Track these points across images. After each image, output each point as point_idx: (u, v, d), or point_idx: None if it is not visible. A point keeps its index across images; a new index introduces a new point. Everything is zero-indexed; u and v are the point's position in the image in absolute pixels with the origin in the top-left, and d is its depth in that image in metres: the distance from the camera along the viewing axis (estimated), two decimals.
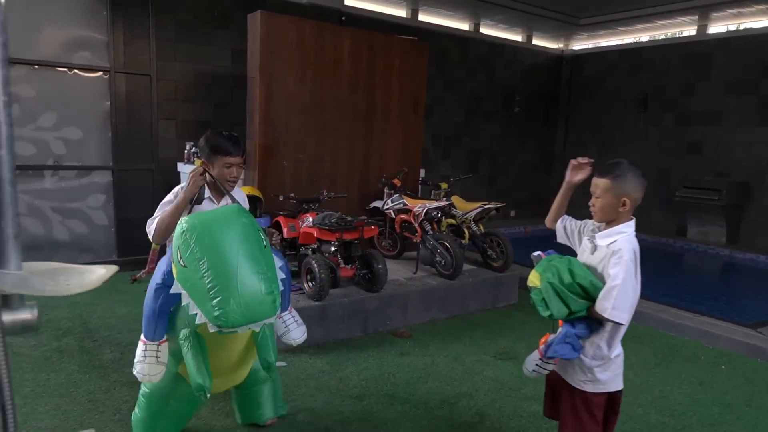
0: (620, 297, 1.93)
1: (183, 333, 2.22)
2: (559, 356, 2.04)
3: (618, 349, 2.10)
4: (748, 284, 7.33)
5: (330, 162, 5.49)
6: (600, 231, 2.15)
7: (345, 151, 5.57)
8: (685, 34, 9.52)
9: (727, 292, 6.90)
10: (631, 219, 2.13)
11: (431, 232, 5.05)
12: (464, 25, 9.56)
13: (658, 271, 7.49)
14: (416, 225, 5.07)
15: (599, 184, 2.12)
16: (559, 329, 2.09)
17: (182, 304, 1.96)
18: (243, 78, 5.44)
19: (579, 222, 2.31)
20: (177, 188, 2.55)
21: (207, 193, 2.52)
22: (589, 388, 2.09)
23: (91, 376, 3.44)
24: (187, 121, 6.55)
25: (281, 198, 4.73)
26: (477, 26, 9.64)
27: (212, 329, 1.85)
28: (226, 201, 2.56)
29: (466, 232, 5.48)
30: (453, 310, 4.97)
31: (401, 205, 5.23)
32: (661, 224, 9.60)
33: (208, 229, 1.90)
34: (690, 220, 8.92)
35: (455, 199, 5.69)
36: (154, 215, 2.48)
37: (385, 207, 5.37)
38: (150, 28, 6.08)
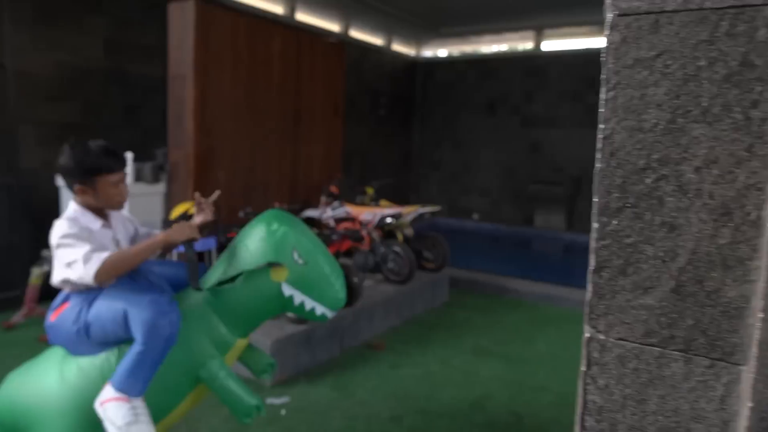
0: None
1: (214, 363, 1.98)
2: None
3: None
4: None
5: (262, 171, 5.09)
6: None
7: (276, 158, 5.22)
8: (525, 48, 10.90)
9: (581, 269, 8.18)
10: None
11: (377, 239, 5.04)
12: (335, 27, 9.54)
13: (520, 253, 8.54)
14: (364, 233, 5.00)
15: None
16: None
17: (295, 304, 1.99)
18: (119, 73, 4.73)
19: None
20: (71, 225, 1.89)
21: (94, 222, 1.97)
22: None
23: None
24: (52, 124, 5.42)
25: (242, 214, 4.25)
26: (347, 28, 9.71)
27: (329, 315, 2.03)
28: (120, 223, 2.09)
29: (400, 235, 5.57)
30: (406, 314, 5.04)
31: (343, 213, 5.10)
32: (511, 215, 10.89)
33: (302, 228, 2.08)
34: (537, 210, 10.30)
35: (383, 203, 5.73)
36: (84, 249, 1.82)
37: (325, 216, 5.18)
38: (2, 8, 4.88)
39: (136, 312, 1.79)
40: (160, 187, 4.56)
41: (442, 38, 10.51)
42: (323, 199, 5.27)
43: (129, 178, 4.37)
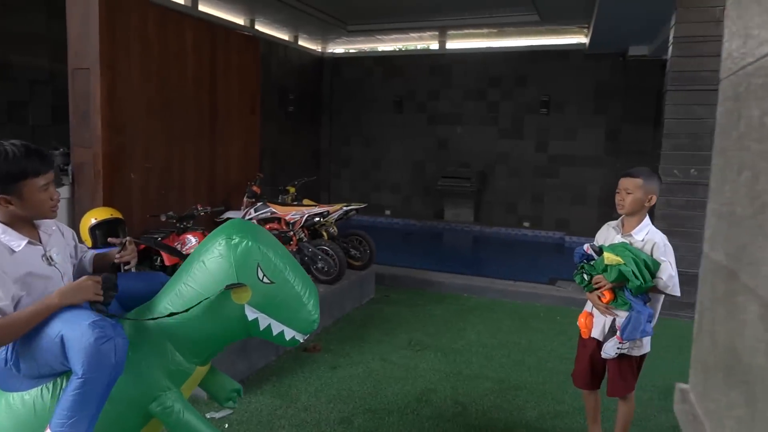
0: (675, 276, 2.48)
1: (169, 396, 1.78)
2: (641, 336, 2.48)
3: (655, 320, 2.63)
4: (503, 252, 9.25)
5: (178, 171, 4.77)
6: (622, 227, 2.66)
7: (192, 157, 4.91)
8: (430, 47, 11.18)
9: (492, 259, 8.60)
10: (647, 214, 2.64)
11: (305, 239, 4.93)
12: (240, 20, 9.17)
13: (433, 247, 8.79)
14: (291, 233, 4.87)
15: (633, 182, 2.57)
16: (627, 314, 2.51)
17: (260, 328, 1.79)
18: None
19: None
20: None
21: (18, 240, 1.68)
22: (635, 353, 2.60)
23: None
24: None
25: (164, 218, 3.93)
26: (252, 23, 9.37)
27: (301, 338, 1.85)
28: (53, 235, 1.83)
29: (326, 234, 5.49)
30: (336, 314, 4.98)
31: (268, 213, 4.93)
32: (421, 210, 11.17)
33: (269, 239, 1.86)
34: (446, 205, 10.65)
35: (307, 202, 5.62)
36: None
37: (248, 217, 4.96)
38: None
39: (75, 337, 1.54)
40: (64, 192, 4.11)
41: (349, 35, 10.48)
42: (246, 199, 5.05)
43: None
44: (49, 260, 1.75)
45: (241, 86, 5.45)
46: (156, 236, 3.98)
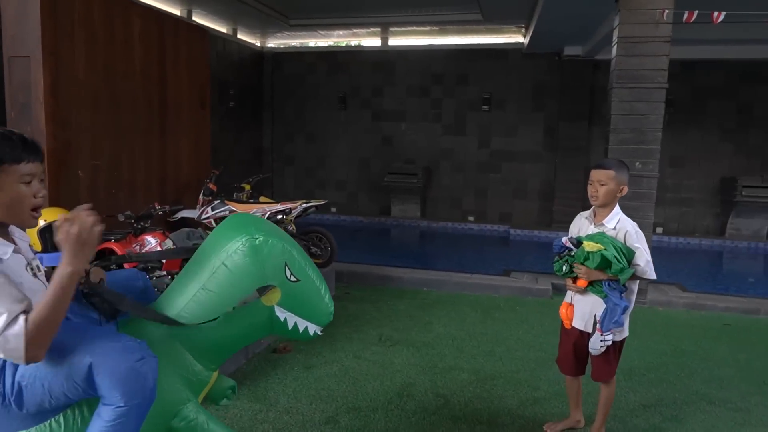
0: (650, 261, 2.59)
1: (190, 408, 1.67)
2: (614, 327, 2.57)
3: (630, 308, 2.72)
4: (452, 246, 9.41)
5: (127, 168, 4.46)
6: (594, 217, 2.75)
7: (142, 154, 4.62)
8: (373, 44, 11.15)
9: (442, 253, 8.74)
10: (617, 204, 2.73)
11: None
12: (176, 11, 8.73)
13: (385, 243, 8.81)
14: None
15: (606, 174, 2.64)
16: (605, 307, 2.60)
17: (289, 327, 1.78)
18: None
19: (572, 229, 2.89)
20: None
21: (3, 246, 1.44)
22: (618, 338, 2.70)
23: None
24: None
25: (122, 218, 3.65)
26: (189, 13, 8.96)
27: (320, 332, 1.86)
28: (25, 243, 1.62)
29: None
30: None
31: (227, 212, 4.72)
32: (367, 206, 11.15)
33: (284, 235, 1.82)
34: (393, 201, 10.69)
35: (264, 200, 5.45)
36: (2, 319, 1.27)
37: (205, 216, 4.74)
38: None
39: (108, 363, 1.35)
40: None
41: (290, 30, 10.27)
42: (202, 197, 4.81)
43: None
44: (35, 271, 1.53)
45: (190, 79, 5.18)
46: (110, 237, 3.70)
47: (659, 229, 9.50)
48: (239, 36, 10.50)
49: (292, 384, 3.55)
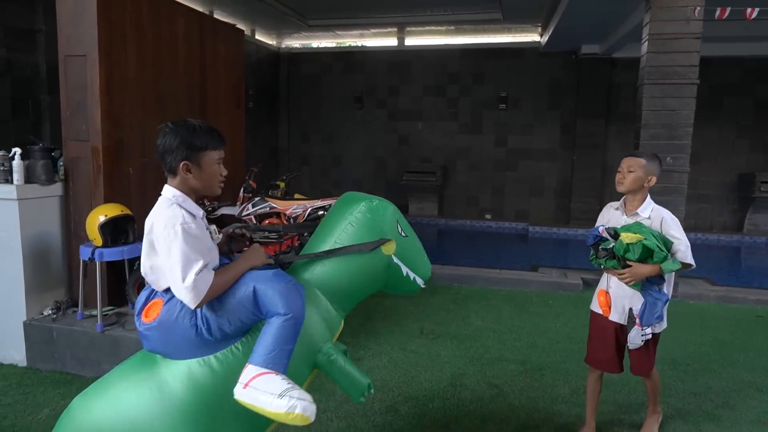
0: (689, 246, 2.61)
1: (330, 347, 1.95)
2: (656, 321, 2.59)
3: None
4: (472, 243, 9.48)
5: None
6: (625, 207, 2.73)
7: None
8: (390, 44, 11.21)
9: (464, 250, 8.80)
10: (648, 195, 2.70)
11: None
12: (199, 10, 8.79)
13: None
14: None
15: (636, 161, 2.65)
16: (643, 301, 2.59)
17: (403, 274, 2.10)
18: None
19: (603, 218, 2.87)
20: (186, 218, 1.73)
21: (197, 210, 1.84)
22: (657, 330, 2.73)
23: None
24: None
25: None
26: (211, 13, 9.03)
27: (422, 285, 2.20)
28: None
29: None
30: None
31: (267, 208, 4.79)
32: None
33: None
34: (410, 199, 10.75)
35: (298, 197, 5.51)
36: (197, 266, 1.66)
37: (246, 213, 4.80)
38: None
39: (268, 285, 1.71)
40: (57, 189, 3.79)
41: (307, 30, 10.34)
42: (242, 194, 4.88)
43: (18, 178, 3.58)
44: (212, 234, 1.88)
45: (227, 79, 5.25)
46: None
47: None
48: (257, 36, 10.57)
49: None
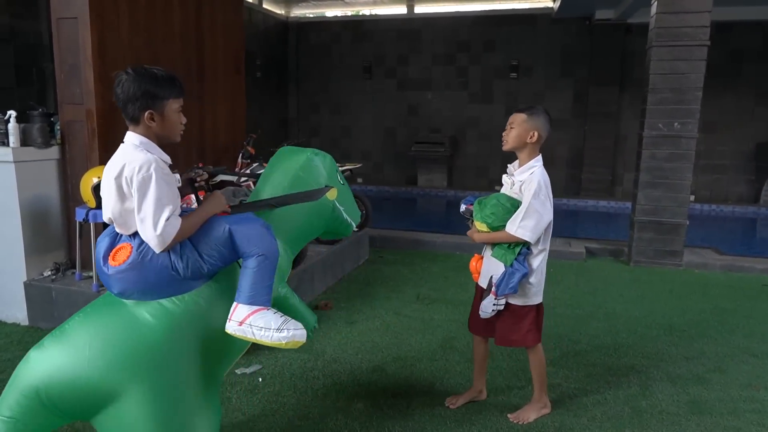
0: (525, 219, 2.40)
1: (283, 285, 2.21)
2: (509, 292, 2.46)
3: (539, 271, 2.54)
4: None
5: None
6: (516, 170, 2.57)
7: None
8: (399, 12, 10.99)
9: None
10: (539, 155, 2.53)
11: None
12: None
13: (414, 212, 8.80)
14: None
15: (516, 117, 2.51)
16: (503, 270, 2.50)
17: (342, 217, 2.40)
18: None
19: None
20: (157, 164, 1.73)
21: (165, 157, 1.86)
22: (518, 302, 2.55)
23: None
24: None
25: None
26: None
27: (354, 228, 2.53)
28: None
29: None
30: (338, 273, 4.96)
31: None
32: (393, 176, 11.17)
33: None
34: (419, 170, 10.68)
35: None
36: (167, 212, 1.69)
37: (245, 179, 4.81)
38: None
39: (244, 227, 1.79)
40: (53, 152, 3.84)
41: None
42: (241, 160, 4.89)
43: (14, 141, 3.63)
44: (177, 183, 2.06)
45: (226, 45, 5.21)
46: None
47: (691, 197, 9.36)
48: (265, 5, 10.46)
49: (336, 337, 3.65)
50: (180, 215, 1.78)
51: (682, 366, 3.29)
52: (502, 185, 2.67)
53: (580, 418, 2.70)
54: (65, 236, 3.97)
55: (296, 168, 2.25)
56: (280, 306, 2.03)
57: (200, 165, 4.10)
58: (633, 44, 9.45)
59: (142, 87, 1.76)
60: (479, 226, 2.55)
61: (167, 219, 1.69)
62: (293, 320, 1.81)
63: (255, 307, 1.78)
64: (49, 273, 3.82)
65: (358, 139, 11.38)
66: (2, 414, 1.70)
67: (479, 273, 2.69)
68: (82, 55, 3.71)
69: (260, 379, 3.03)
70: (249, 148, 4.95)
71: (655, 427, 2.63)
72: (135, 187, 1.69)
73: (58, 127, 3.90)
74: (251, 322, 1.77)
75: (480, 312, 2.58)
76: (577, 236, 6.78)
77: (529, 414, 2.68)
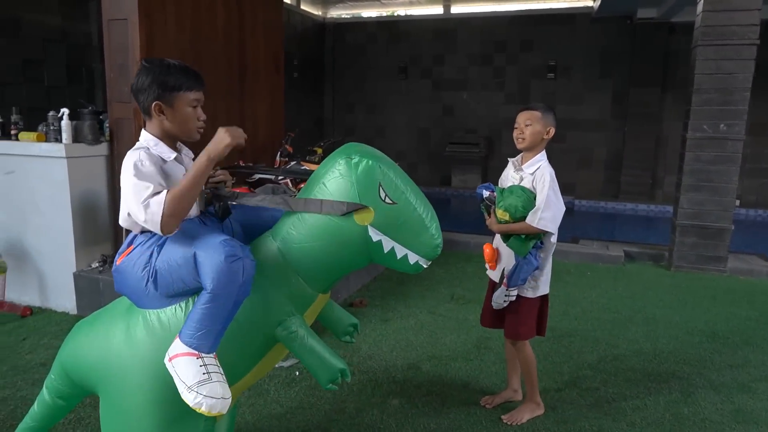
0: (545, 210, 2.40)
1: (293, 321, 1.74)
2: (520, 284, 2.49)
3: (548, 262, 2.58)
4: None
5: (210, 127, 4.64)
6: (522, 163, 2.59)
7: (223, 115, 4.80)
8: (435, 12, 10.98)
9: None
10: (544, 150, 2.57)
11: None
12: None
13: (448, 212, 8.76)
14: None
15: (532, 114, 2.51)
16: (506, 261, 2.56)
17: (384, 251, 1.70)
18: (11, 22, 4.09)
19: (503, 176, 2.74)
20: (142, 157, 1.65)
21: (168, 153, 1.76)
22: (530, 294, 2.58)
23: None
24: None
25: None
26: None
27: (424, 264, 1.74)
28: (185, 157, 1.86)
29: None
30: (373, 272, 4.99)
31: (304, 173, 4.86)
32: (427, 176, 11.16)
33: (388, 161, 1.77)
34: (454, 171, 10.64)
35: None
36: (147, 192, 1.58)
37: (282, 177, 4.90)
38: None
39: (206, 255, 1.55)
40: (102, 149, 3.99)
41: (353, 0, 10.28)
42: (279, 158, 4.98)
43: (66, 137, 3.79)
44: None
45: (266, 44, 5.31)
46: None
47: (736, 201, 9.05)
48: (302, 7, 10.60)
49: (372, 334, 3.69)
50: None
51: (726, 374, 3.20)
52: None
53: (619, 422, 2.66)
54: (112, 230, 4.12)
55: (323, 174, 1.75)
56: (287, 345, 1.76)
57: (240, 163, 4.19)
58: (677, 44, 9.20)
59: (151, 76, 1.70)
60: (501, 214, 2.51)
61: (147, 198, 1.57)
62: (216, 383, 1.55)
63: (187, 350, 1.56)
64: (97, 264, 3.98)
65: (392, 139, 11.41)
66: (51, 374, 2.01)
67: (493, 261, 2.69)
68: (130, 55, 3.85)
69: (297, 373, 3.08)
70: (287, 147, 5.04)
71: None
72: (122, 186, 1.65)
73: (107, 125, 4.06)
74: (175, 364, 1.57)
75: (492, 302, 2.62)
76: (616, 240, 6.65)
77: (523, 414, 2.67)
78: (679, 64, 9.16)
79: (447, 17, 10.76)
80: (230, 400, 1.58)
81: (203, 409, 1.52)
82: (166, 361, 1.59)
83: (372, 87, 11.36)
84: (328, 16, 11.48)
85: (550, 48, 10.05)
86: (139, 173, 1.61)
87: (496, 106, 10.56)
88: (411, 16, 11.24)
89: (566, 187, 10.13)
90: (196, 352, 1.56)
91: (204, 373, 1.54)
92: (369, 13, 11.52)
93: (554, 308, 4.23)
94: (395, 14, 11.38)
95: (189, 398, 1.53)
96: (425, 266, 1.75)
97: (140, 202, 1.58)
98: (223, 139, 1.66)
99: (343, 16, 11.55)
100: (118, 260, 1.76)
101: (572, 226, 8.54)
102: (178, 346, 1.57)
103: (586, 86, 9.98)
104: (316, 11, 11.15)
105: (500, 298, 2.57)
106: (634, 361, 3.36)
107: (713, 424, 2.66)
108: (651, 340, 3.67)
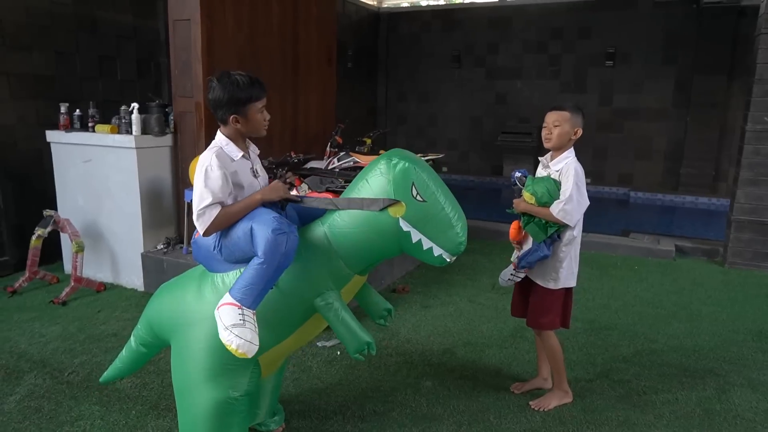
0: (568, 203, 2.46)
1: (331, 294, 2.02)
2: (525, 267, 2.62)
3: (570, 256, 2.63)
4: None
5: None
6: (550, 161, 2.65)
7: (277, 107, 5.05)
8: (490, 0, 10.87)
9: None
10: (572, 148, 2.61)
11: None
12: None
13: (497, 202, 8.77)
14: None
15: (560, 115, 2.55)
16: (529, 246, 2.64)
17: (412, 241, 1.96)
18: (88, 20, 4.45)
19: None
20: (213, 162, 1.96)
21: (237, 152, 2.07)
22: (551, 285, 2.65)
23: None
24: (23, 76, 4.99)
25: (265, 163, 4.11)
26: None
27: (448, 258, 1.98)
28: (255, 157, 2.21)
29: None
30: (416, 260, 5.14)
31: (351, 163, 5.04)
32: (479, 166, 11.15)
33: (424, 166, 2.02)
34: (506, 160, 10.57)
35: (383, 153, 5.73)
36: (206, 202, 1.91)
37: (331, 167, 5.11)
38: None
39: (260, 228, 1.87)
40: (167, 140, 4.34)
41: None
42: (329, 149, 5.19)
43: (136, 129, 4.14)
44: (255, 173, 2.15)
45: (319, 36, 5.52)
46: None
47: None
48: None
49: (411, 319, 3.86)
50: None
51: (767, 373, 3.16)
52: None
53: (646, 414, 2.71)
54: (175, 214, 4.48)
55: (367, 171, 2.04)
56: (323, 314, 2.02)
57: (291, 154, 4.43)
58: (747, 28, 8.70)
59: (226, 95, 1.99)
60: (527, 197, 2.61)
61: (203, 208, 1.91)
62: (248, 330, 1.83)
63: (232, 301, 1.86)
64: (162, 246, 4.35)
65: (444, 128, 11.44)
66: (138, 325, 2.40)
67: (516, 239, 2.79)
68: (193, 53, 4.15)
69: (338, 353, 3.30)
70: (337, 138, 5.24)
71: (727, 431, 2.58)
72: (194, 181, 2.00)
73: (172, 118, 4.39)
74: (220, 312, 1.87)
75: (499, 279, 2.82)
76: (671, 234, 6.49)
77: (550, 401, 2.77)
78: (748, 51, 8.67)
79: (502, 5, 10.63)
80: (257, 346, 1.86)
81: (233, 347, 1.81)
82: (215, 310, 1.90)
83: (425, 76, 11.41)
84: (383, 5, 11.58)
85: (610, 34, 9.75)
86: (206, 179, 1.94)
87: (551, 95, 10.37)
88: (466, 4, 11.17)
89: (623, 178, 9.88)
90: (239, 304, 1.86)
91: (240, 320, 1.85)
92: (425, 1, 11.53)
93: (595, 301, 4.27)
94: (451, 2, 11.34)
95: (224, 336, 1.83)
96: (449, 260, 2.00)
97: (198, 208, 1.94)
98: (277, 189, 2.05)
99: (398, 6, 11.62)
100: (196, 234, 2.11)
101: (626, 218, 8.36)
102: (226, 298, 1.89)
103: (647, 73, 9.63)
104: (371, 1, 11.28)
105: (506, 275, 2.77)
106: (672, 356, 3.36)
107: (744, 421, 2.66)
108: (692, 337, 3.64)
